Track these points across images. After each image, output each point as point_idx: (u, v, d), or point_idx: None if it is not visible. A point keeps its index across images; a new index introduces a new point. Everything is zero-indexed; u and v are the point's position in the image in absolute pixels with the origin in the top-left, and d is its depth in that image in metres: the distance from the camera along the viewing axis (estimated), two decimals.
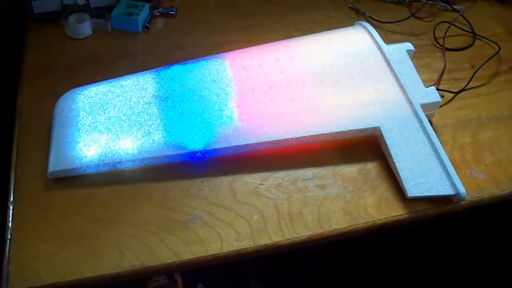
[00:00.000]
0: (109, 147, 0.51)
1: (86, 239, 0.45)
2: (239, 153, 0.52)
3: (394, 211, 0.50)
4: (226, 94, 0.55)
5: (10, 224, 0.46)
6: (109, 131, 0.52)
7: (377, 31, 0.61)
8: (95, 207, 0.48)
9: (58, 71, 0.62)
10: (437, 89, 0.58)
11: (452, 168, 0.50)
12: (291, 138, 0.52)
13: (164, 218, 0.47)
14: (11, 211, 0.47)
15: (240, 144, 0.51)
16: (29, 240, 0.45)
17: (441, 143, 0.52)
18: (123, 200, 0.49)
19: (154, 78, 0.57)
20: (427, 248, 1.07)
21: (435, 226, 1.02)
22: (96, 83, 0.57)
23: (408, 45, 0.61)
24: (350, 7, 0.75)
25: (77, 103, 0.55)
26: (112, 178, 0.51)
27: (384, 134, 0.53)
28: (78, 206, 0.48)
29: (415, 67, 0.59)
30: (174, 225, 0.47)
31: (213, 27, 0.70)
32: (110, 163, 0.50)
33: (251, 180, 0.52)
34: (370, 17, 0.73)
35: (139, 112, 0.54)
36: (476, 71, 0.64)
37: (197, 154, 0.51)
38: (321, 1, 0.76)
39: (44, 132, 0.53)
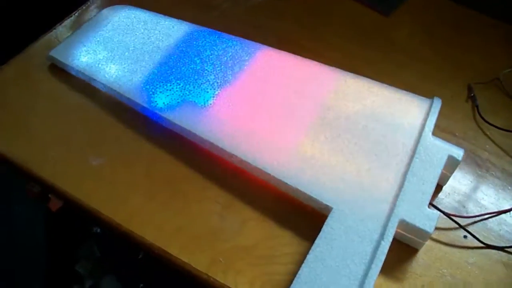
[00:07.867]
0: (98, 63, 0.53)
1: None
2: (183, 135, 0.49)
3: None
4: (223, 78, 0.51)
5: None
6: (110, 52, 0.54)
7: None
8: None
9: None
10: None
11: None
12: (235, 156, 0.46)
13: None
14: None
15: (184, 126, 0.47)
16: None
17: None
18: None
19: (186, 31, 0.56)
20: None
21: None
22: (146, 10, 0.59)
23: (457, 151, 0.45)
24: (469, 85, 0.58)
25: (115, 17, 0.58)
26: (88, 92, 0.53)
27: (329, 220, 0.42)
28: None
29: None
30: None
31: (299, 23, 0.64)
32: (88, 76, 0.52)
33: None
34: (477, 106, 0.56)
35: (144, 51, 0.54)
36: None
37: (150, 112, 0.49)
38: (442, 82, 0.58)
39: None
